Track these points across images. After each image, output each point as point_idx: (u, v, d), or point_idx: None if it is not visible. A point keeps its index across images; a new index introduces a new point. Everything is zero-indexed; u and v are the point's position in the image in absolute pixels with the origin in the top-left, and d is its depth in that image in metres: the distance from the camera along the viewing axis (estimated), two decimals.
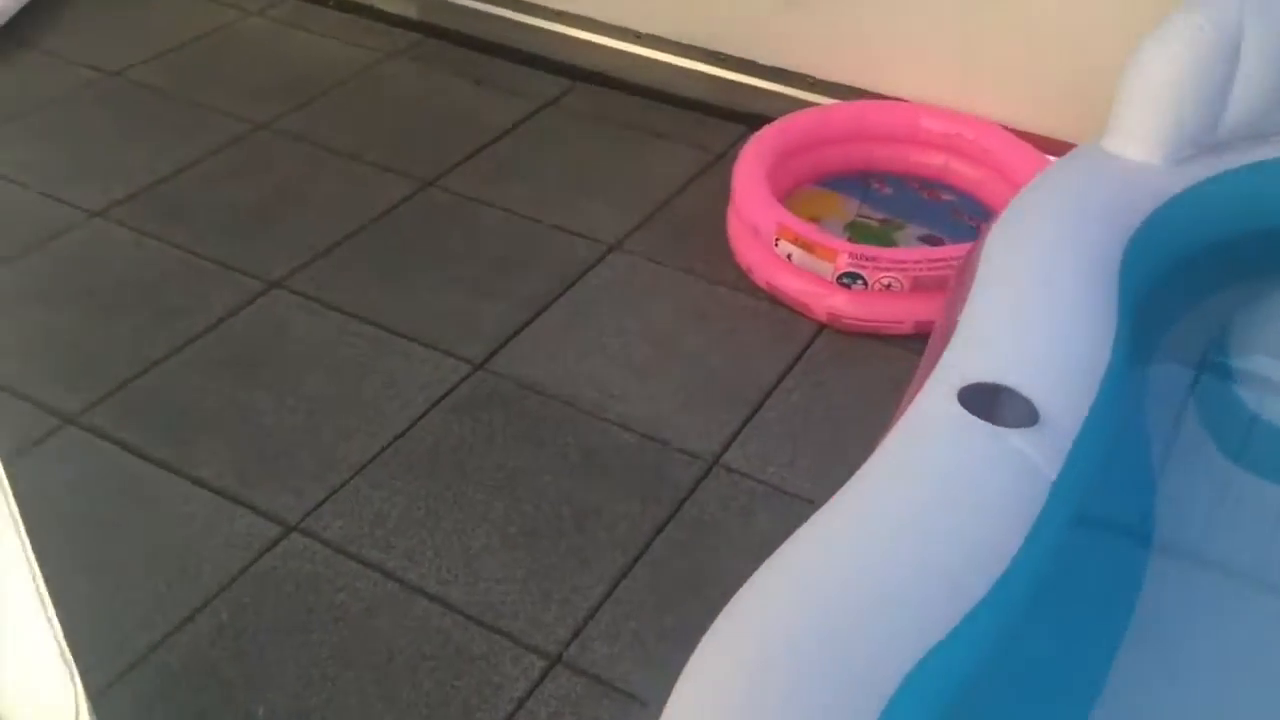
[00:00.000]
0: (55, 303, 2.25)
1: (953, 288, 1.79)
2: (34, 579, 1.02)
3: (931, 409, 1.44)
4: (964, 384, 1.46)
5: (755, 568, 1.76)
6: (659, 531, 1.83)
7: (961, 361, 1.52)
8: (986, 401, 1.46)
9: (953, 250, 2.18)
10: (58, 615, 1.02)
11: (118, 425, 1.98)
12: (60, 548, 1.76)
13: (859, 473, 1.34)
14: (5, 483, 1.05)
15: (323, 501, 1.86)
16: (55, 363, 2.11)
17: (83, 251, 2.39)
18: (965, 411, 1.42)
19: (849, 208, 2.55)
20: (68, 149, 2.70)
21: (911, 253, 2.21)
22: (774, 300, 2.29)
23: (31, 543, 1.05)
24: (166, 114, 2.84)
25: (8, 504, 1.03)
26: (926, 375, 1.53)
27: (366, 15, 3.28)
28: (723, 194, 2.47)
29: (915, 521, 1.29)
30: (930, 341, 1.74)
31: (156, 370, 2.10)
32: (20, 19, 3.12)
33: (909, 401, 1.49)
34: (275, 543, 1.79)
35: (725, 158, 2.73)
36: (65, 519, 1.81)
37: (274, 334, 2.19)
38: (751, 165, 2.39)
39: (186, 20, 3.24)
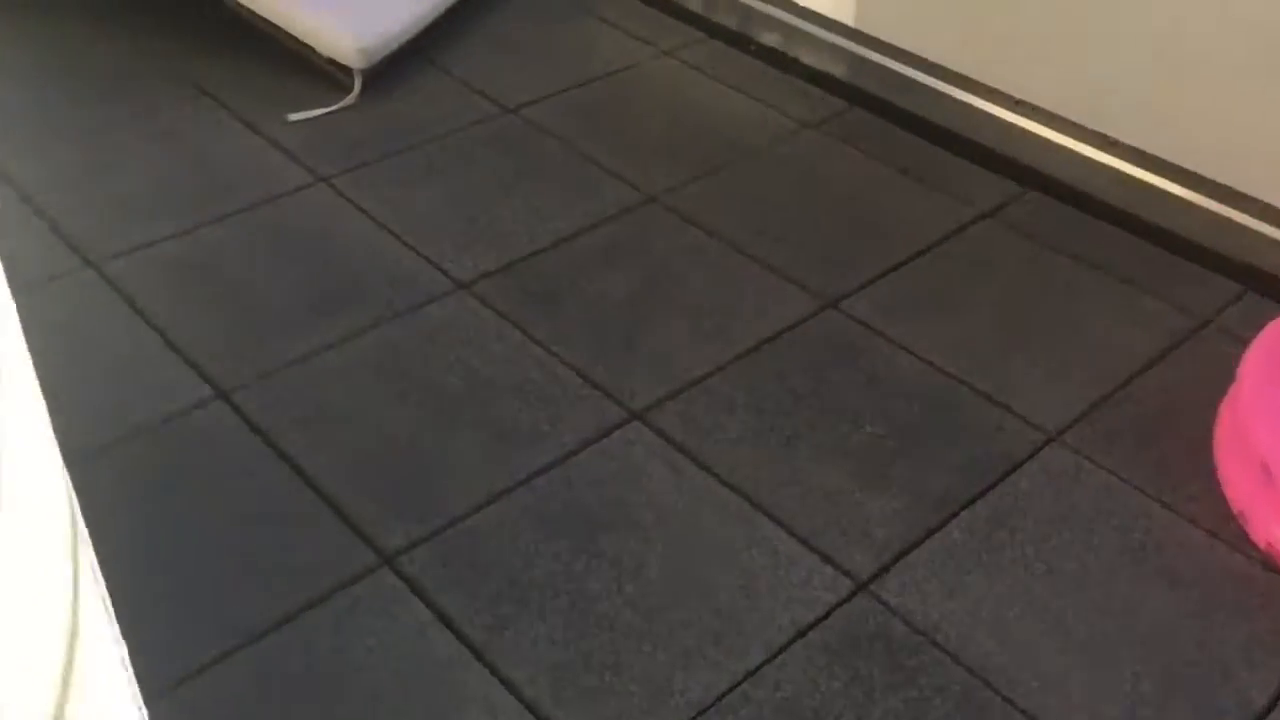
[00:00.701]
0: (398, 395, 2.01)
1: None
2: None
3: None
4: None
5: None
6: None
7: None
8: None
9: None
10: None
11: (435, 579, 1.70)
12: None
13: None
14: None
15: None
16: (384, 479, 1.86)
17: (439, 333, 2.14)
18: None
19: None
20: (445, 196, 2.48)
21: None
22: (1275, 569, 1.70)
23: None
24: (554, 167, 2.57)
25: None
26: None
27: (786, 68, 2.88)
28: (1208, 382, 1.89)
29: None
30: None
31: (490, 511, 1.81)
32: (431, 35, 2.95)
33: None
34: None
35: (1213, 326, 2.12)
36: (355, 699, 1.54)
37: (625, 484, 1.85)
38: (1269, 366, 1.78)
39: (597, 53, 2.97)
